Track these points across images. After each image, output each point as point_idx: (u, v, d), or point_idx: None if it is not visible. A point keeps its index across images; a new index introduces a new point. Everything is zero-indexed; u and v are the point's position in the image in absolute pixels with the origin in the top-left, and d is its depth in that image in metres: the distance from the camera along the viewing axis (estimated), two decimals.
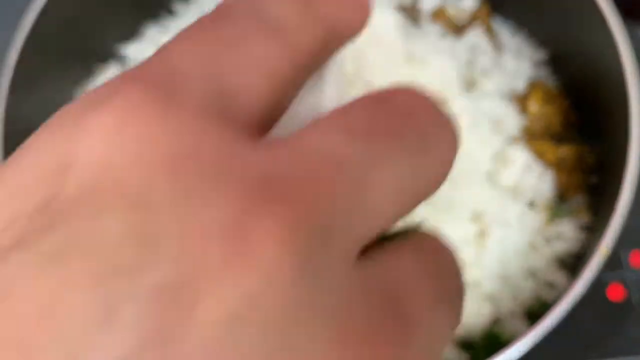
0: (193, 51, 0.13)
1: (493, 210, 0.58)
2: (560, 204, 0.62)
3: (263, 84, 0.13)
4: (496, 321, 0.58)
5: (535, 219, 0.59)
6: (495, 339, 0.57)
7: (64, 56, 0.67)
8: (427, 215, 0.57)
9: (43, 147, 0.12)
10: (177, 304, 0.10)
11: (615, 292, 0.67)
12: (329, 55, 0.15)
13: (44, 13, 0.63)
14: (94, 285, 0.10)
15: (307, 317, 0.11)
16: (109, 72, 0.70)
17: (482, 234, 0.58)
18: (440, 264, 0.16)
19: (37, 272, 0.11)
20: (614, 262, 0.68)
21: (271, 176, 0.11)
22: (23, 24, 0.62)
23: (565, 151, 0.62)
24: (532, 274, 0.59)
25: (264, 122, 0.13)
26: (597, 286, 0.66)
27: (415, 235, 0.16)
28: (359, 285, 0.12)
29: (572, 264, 0.60)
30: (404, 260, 0.14)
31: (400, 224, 0.15)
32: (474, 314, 0.57)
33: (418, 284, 0.14)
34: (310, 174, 0.12)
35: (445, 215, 0.58)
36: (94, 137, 0.11)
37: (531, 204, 0.60)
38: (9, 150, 0.59)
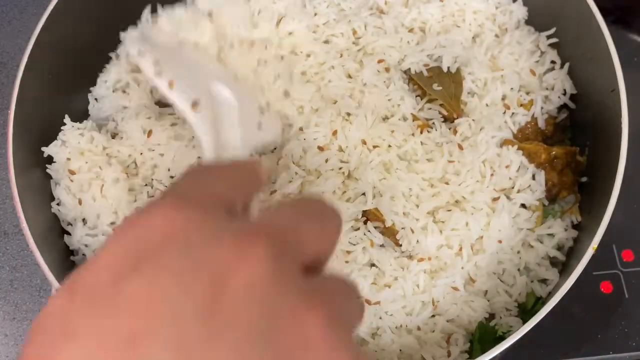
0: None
1: (488, 210, 0.59)
2: (552, 203, 0.63)
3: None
4: (491, 316, 0.59)
5: (528, 218, 0.60)
6: (490, 333, 0.58)
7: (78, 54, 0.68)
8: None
9: None
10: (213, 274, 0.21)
11: (609, 288, 0.68)
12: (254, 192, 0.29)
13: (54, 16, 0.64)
14: None
15: (282, 288, 0.21)
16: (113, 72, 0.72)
17: (478, 233, 0.59)
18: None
19: None
20: (607, 260, 0.69)
21: (253, 229, 0.23)
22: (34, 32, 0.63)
23: (557, 152, 0.63)
24: (525, 270, 0.60)
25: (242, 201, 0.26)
26: (592, 282, 0.68)
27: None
28: (300, 277, 0.23)
29: (563, 260, 0.61)
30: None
31: None
32: (470, 309, 0.58)
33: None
34: (274, 230, 0.24)
35: (448, 215, 0.59)
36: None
37: (524, 204, 0.60)
38: (17, 149, 0.60)
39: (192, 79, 0.43)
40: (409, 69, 0.65)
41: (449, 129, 0.63)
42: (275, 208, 0.26)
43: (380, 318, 0.57)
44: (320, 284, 0.24)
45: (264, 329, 0.20)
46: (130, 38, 0.44)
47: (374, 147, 0.61)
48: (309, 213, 0.26)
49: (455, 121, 0.63)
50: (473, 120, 0.63)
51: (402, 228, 0.59)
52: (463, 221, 0.58)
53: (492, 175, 0.60)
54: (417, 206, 0.59)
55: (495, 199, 0.59)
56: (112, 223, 0.62)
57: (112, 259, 0.20)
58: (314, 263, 0.25)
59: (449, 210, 0.59)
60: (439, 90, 0.63)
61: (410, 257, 0.59)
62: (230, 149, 0.41)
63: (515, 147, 0.61)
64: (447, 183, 0.60)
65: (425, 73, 0.65)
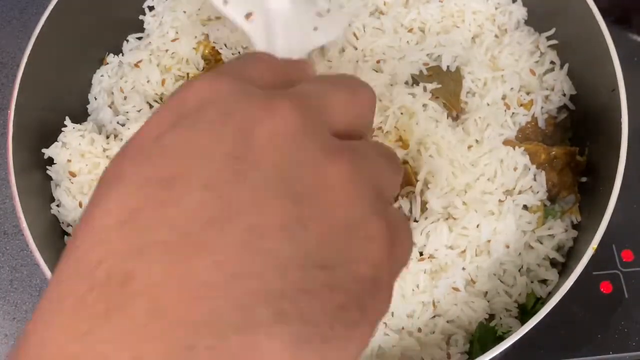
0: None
1: (496, 212, 0.59)
2: (552, 203, 0.63)
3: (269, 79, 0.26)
4: (491, 317, 0.59)
5: (529, 219, 0.60)
6: (490, 333, 0.58)
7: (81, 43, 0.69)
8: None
9: None
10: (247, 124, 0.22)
11: (609, 289, 0.68)
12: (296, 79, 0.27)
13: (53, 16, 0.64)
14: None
15: (306, 139, 0.22)
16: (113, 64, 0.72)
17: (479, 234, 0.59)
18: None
19: None
20: (607, 260, 0.69)
21: (283, 93, 0.24)
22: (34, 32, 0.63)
23: (556, 152, 0.63)
24: (525, 271, 0.60)
25: (280, 86, 0.26)
26: (591, 282, 0.68)
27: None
28: (326, 134, 0.24)
29: (563, 261, 0.61)
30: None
31: None
32: (470, 309, 0.58)
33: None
34: (302, 94, 0.24)
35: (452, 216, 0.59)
36: None
37: (526, 205, 0.60)
38: (17, 150, 0.60)
39: None
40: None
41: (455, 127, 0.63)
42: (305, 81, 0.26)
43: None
44: (349, 144, 0.24)
45: (284, 171, 0.21)
46: None
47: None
48: (338, 83, 0.27)
49: (462, 117, 0.63)
50: (479, 117, 0.62)
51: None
52: (475, 222, 0.58)
53: (495, 176, 0.60)
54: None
55: (501, 201, 0.59)
56: None
57: (155, 121, 0.23)
58: (347, 133, 0.25)
59: (464, 205, 0.58)
60: (438, 87, 0.63)
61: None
62: (284, 54, 0.42)
63: (522, 148, 0.61)
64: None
65: (425, 72, 0.65)
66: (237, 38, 0.68)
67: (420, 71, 0.65)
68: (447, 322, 0.58)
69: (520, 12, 0.70)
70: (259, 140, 0.21)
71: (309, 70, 0.29)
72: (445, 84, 0.64)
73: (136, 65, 0.69)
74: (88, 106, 0.72)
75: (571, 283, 0.52)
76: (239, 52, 0.68)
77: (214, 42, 0.70)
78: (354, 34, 0.67)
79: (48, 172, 0.65)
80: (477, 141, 0.61)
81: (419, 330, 0.58)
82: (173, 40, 0.70)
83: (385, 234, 0.22)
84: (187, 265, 0.19)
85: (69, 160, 0.63)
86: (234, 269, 0.19)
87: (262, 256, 0.20)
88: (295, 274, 0.20)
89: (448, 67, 0.65)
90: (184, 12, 0.72)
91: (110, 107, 0.69)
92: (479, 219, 0.57)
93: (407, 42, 0.67)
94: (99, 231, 0.20)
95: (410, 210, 0.59)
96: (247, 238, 0.20)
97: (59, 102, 0.67)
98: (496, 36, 0.69)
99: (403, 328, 0.57)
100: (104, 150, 0.65)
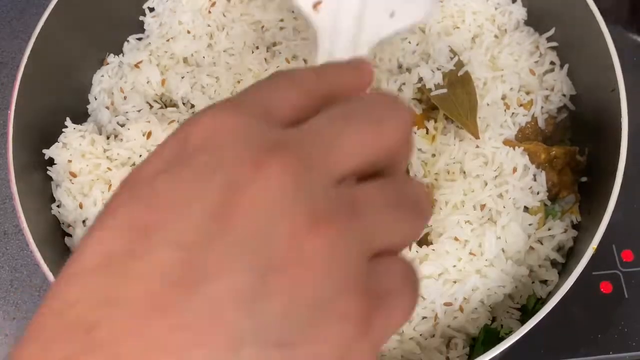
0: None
1: (491, 212, 0.59)
2: (552, 203, 0.63)
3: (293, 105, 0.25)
4: (493, 317, 0.59)
5: (531, 221, 0.60)
6: (494, 335, 0.58)
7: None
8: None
9: None
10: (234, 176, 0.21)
11: (609, 289, 0.68)
12: (341, 96, 0.25)
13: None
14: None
15: (291, 208, 0.21)
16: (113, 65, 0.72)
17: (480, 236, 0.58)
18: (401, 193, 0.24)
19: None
20: (607, 260, 0.69)
21: (280, 141, 0.22)
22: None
23: (556, 152, 0.63)
24: (526, 271, 0.60)
25: (297, 118, 0.24)
26: (591, 283, 0.68)
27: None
28: (332, 190, 0.22)
29: (563, 261, 0.61)
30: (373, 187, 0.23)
31: None
32: (472, 310, 0.58)
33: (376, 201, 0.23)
34: (309, 137, 0.23)
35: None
36: None
37: (527, 206, 0.60)
38: (17, 150, 0.60)
39: None
40: (423, 83, 0.64)
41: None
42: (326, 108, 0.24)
43: None
44: (349, 201, 0.22)
45: (258, 240, 0.20)
46: None
47: None
48: (364, 112, 0.24)
49: None
50: (479, 117, 0.62)
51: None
52: (479, 242, 0.57)
53: (496, 177, 0.60)
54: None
55: (504, 207, 0.59)
56: None
57: (159, 154, 0.23)
58: (367, 173, 0.23)
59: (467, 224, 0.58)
60: (453, 109, 0.62)
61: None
62: (347, 50, 0.37)
63: (521, 149, 0.61)
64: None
65: (442, 82, 0.64)
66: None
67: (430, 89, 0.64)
68: (448, 326, 0.58)
69: (520, 12, 0.70)
70: (241, 202, 0.21)
71: (365, 78, 0.27)
72: (459, 102, 0.62)
73: (136, 65, 0.70)
74: (88, 106, 0.72)
75: (571, 283, 0.52)
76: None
77: None
78: None
79: (48, 172, 0.65)
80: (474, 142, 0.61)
81: (420, 334, 0.57)
82: (168, 40, 0.70)
83: (360, 311, 0.21)
84: (147, 325, 0.19)
85: (70, 161, 0.63)
86: (190, 337, 0.19)
87: (219, 327, 0.19)
88: (249, 350, 0.19)
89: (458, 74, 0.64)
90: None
91: (108, 109, 0.69)
92: (483, 237, 0.57)
93: (409, 42, 0.67)
94: (82, 272, 0.21)
95: None
96: (208, 307, 0.19)
97: (59, 102, 0.67)
98: (496, 36, 0.69)
99: (403, 331, 0.57)
100: (105, 150, 0.65)
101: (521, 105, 0.65)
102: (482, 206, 0.59)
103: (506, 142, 0.62)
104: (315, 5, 0.39)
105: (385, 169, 0.24)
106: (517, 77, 0.65)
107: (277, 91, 0.25)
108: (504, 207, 0.59)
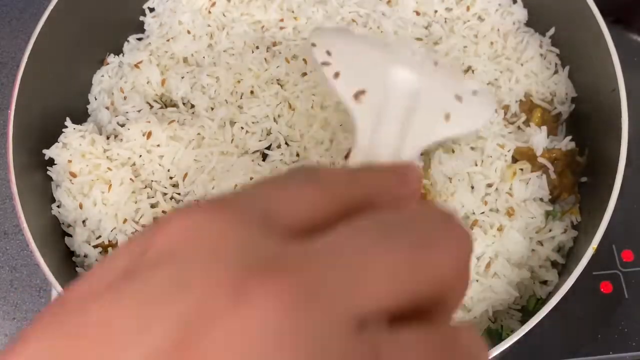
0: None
1: (492, 214, 0.59)
2: (553, 204, 0.63)
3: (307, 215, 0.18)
4: (495, 318, 0.59)
5: (531, 221, 0.60)
6: (494, 334, 0.58)
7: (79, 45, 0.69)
8: None
9: None
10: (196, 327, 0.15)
11: (609, 289, 0.68)
12: (373, 205, 0.19)
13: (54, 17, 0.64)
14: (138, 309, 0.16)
15: (294, 342, 0.14)
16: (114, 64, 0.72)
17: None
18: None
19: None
20: (607, 260, 0.69)
21: (278, 258, 0.16)
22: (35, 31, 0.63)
23: (556, 152, 0.62)
24: (528, 274, 0.60)
25: (312, 225, 0.18)
26: (591, 283, 0.68)
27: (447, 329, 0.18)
28: (348, 338, 0.15)
29: (563, 262, 0.61)
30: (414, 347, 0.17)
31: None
32: (474, 311, 0.58)
33: None
34: (307, 254, 0.16)
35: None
36: None
37: (527, 207, 0.60)
38: (17, 150, 0.60)
39: (365, 68, 0.36)
40: None
41: None
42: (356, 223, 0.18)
43: None
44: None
45: None
46: (315, 32, 0.38)
47: None
48: (404, 226, 0.18)
49: None
50: None
51: None
52: (482, 246, 0.57)
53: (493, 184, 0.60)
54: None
55: (508, 213, 0.59)
56: (114, 229, 0.62)
57: (107, 266, 0.18)
58: (402, 314, 0.17)
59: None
60: None
61: None
62: (388, 151, 0.31)
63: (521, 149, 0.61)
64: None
65: None
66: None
67: None
68: None
69: (521, 13, 0.70)
70: (205, 343, 0.15)
71: (409, 186, 0.21)
72: None
73: (136, 65, 0.70)
74: (88, 106, 0.72)
75: (571, 283, 0.52)
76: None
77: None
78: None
79: (48, 172, 0.65)
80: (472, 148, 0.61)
81: None
82: (168, 40, 0.70)
83: None
84: None
85: (70, 161, 0.63)
86: None
87: None
88: None
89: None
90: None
91: (108, 109, 0.69)
92: (485, 241, 0.57)
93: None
94: None
95: None
96: None
97: (59, 102, 0.67)
98: (496, 37, 0.69)
99: None
100: (105, 150, 0.65)
101: (523, 111, 0.65)
102: (475, 222, 0.59)
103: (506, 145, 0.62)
104: (357, 95, 0.33)
105: (430, 308, 0.18)
106: (517, 77, 0.65)
107: (289, 189, 0.19)
108: (505, 214, 0.59)
